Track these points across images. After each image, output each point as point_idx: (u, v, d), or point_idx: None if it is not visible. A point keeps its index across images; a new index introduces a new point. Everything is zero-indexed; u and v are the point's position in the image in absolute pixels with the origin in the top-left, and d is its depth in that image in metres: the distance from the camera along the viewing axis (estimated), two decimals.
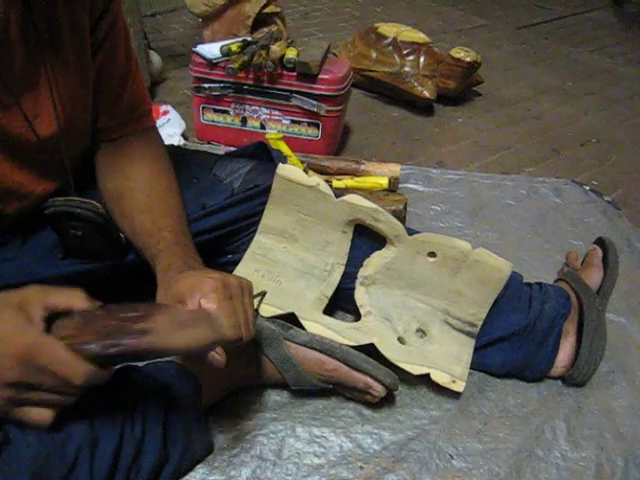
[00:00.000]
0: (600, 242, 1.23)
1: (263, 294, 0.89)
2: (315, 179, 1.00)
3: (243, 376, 0.93)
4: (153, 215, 0.86)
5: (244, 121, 1.69)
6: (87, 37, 0.82)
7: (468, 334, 1.01)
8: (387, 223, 0.99)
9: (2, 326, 0.59)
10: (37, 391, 0.59)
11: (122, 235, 0.89)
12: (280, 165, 1.00)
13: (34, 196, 0.84)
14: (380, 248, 1.03)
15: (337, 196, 1.00)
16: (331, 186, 1.03)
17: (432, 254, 1.00)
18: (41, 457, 0.66)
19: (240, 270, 1.01)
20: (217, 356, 0.67)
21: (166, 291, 0.73)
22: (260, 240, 1.03)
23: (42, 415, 0.61)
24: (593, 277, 1.14)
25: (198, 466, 0.85)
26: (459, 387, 0.97)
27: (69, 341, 0.59)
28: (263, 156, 1.07)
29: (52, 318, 0.62)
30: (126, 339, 0.61)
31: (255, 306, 0.81)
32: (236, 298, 0.71)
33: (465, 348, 1.01)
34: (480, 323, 1.00)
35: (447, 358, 0.99)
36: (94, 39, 0.84)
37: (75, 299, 0.64)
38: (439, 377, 0.97)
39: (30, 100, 0.77)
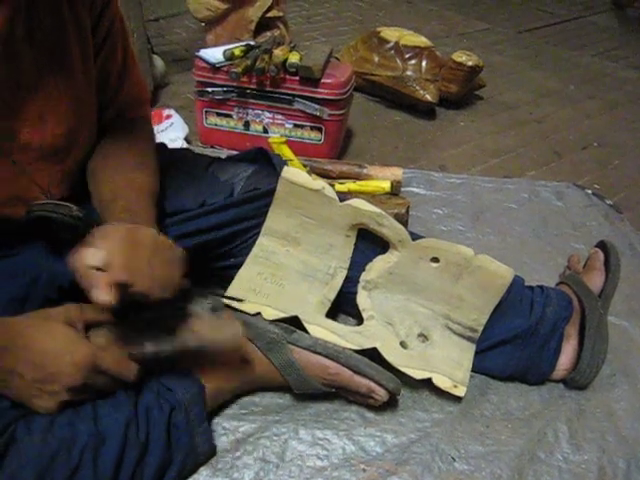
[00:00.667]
0: (602, 245, 1.23)
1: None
2: (320, 182, 1.01)
3: (246, 379, 0.93)
4: (112, 186, 0.86)
5: (247, 125, 1.70)
6: (89, 37, 0.83)
7: (469, 339, 1.01)
8: (391, 228, 0.99)
9: (61, 339, 0.71)
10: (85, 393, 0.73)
11: None
12: (285, 168, 1.01)
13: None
14: (383, 253, 1.03)
15: (341, 200, 1.01)
16: (334, 190, 1.04)
17: (435, 259, 1.00)
18: (46, 457, 0.67)
19: (243, 273, 1.01)
20: (101, 292, 0.64)
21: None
22: (263, 243, 1.03)
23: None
24: (595, 280, 1.14)
25: (201, 468, 0.85)
26: (460, 392, 0.97)
27: (111, 348, 0.75)
28: (264, 161, 1.07)
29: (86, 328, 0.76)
30: (170, 344, 0.76)
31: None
32: (143, 248, 0.72)
33: (466, 353, 1.01)
34: (481, 328, 1.00)
35: (448, 363, 1.00)
36: (96, 39, 0.85)
37: (100, 311, 0.76)
38: (441, 382, 0.97)
39: (36, 104, 0.77)
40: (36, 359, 0.68)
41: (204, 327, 0.79)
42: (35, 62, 0.75)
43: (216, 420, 0.92)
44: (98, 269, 0.65)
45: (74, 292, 0.75)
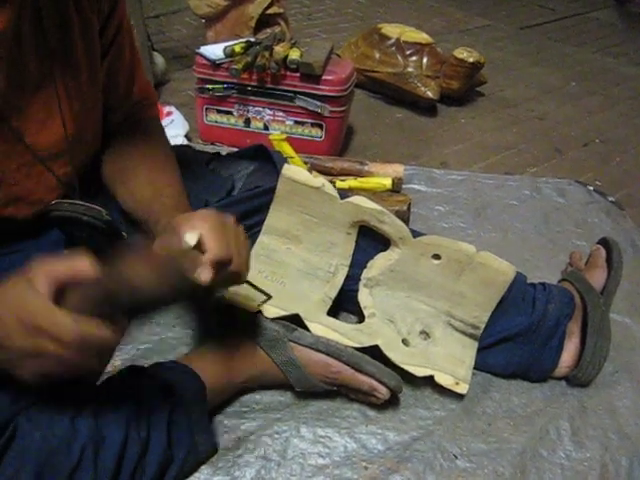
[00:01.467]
0: (604, 242, 1.23)
1: (268, 298, 0.89)
2: (320, 180, 1.00)
3: (247, 377, 0.93)
4: (154, 186, 0.87)
5: (247, 122, 1.70)
6: (97, 40, 0.82)
7: (471, 336, 1.01)
8: (392, 225, 0.99)
9: (9, 295, 0.60)
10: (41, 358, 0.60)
11: (124, 234, 0.89)
12: (285, 166, 1.00)
13: (45, 202, 0.84)
14: (384, 250, 1.03)
15: (341, 197, 1.01)
16: (334, 187, 1.03)
17: (436, 256, 1.00)
18: (46, 453, 0.67)
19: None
20: (205, 271, 0.65)
21: (164, 232, 0.72)
22: (264, 241, 1.03)
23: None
24: (597, 277, 1.14)
25: (202, 467, 0.85)
26: (462, 389, 0.97)
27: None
28: (264, 158, 1.07)
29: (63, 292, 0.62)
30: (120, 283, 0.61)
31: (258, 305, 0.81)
32: (230, 230, 0.72)
33: (468, 350, 1.01)
34: (483, 325, 1.00)
35: (450, 360, 0.99)
36: (103, 41, 0.84)
37: (80, 266, 0.63)
38: (443, 379, 0.97)
39: (42, 105, 0.77)
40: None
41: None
42: (40, 63, 0.75)
43: (217, 418, 0.92)
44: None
45: None
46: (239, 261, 0.72)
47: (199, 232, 0.66)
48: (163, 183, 0.88)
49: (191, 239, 0.65)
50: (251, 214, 1.01)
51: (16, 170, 0.78)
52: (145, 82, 0.98)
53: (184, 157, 1.02)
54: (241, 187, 1.02)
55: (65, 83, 0.79)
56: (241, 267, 0.72)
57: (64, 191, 0.87)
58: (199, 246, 0.66)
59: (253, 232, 1.03)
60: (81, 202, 0.84)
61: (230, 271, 0.71)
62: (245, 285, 0.84)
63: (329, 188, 1.00)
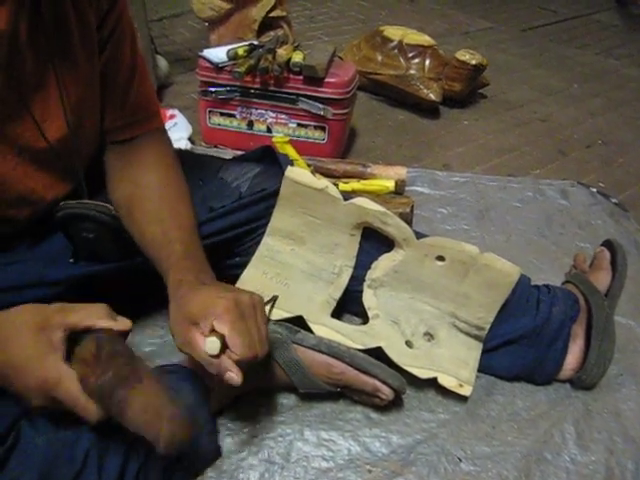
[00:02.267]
0: (608, 244, 1.23)
1: (274, 299, 0.89)
2: (324, 182, 1.00)
3: (251, 380, 0.93)
4: (163, 226, 0.84)
5: (250, 124, 1.70)
6: (94, 37, 0.82)
7: (476, 337, 1.01)
8: (396, 226, 0.99)
9: (24, 353, 0.62)
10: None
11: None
12: (289, 168, 1.00)
13: (46, 202, 0.84)
14: (388, 251, 1.02)
15: (345, 199, 1.00)
16: (337, 189, 1.03)
17: (440, 258, 1.00)
18: (49, 460, 0.67)
19: (248, 272, 1.01)
20: (234, 375, 0.68)
21: (178, 309, 0.72)
22: (268, 242, 1.03)
23: None
24: (601, 279, 1.13)
25: (207, 470, 0.85)
26: (466, 391, 0.97)
27: (84, 371, 0.62)
28: (270, 160, 1.07)
29: (75, 336, 0.66)
30: (112, 405, 0.62)
31: (267, 313, 0.81)
32: (249, 317, 0.71)
33: (472, 352, 1.01)
34: (487, 327, 1.00)
35: (454, 362, 0.99)
36: (100, 36, 0.83)
37: (96, 316, 0.67)
38: (446, 381, 0.97)
39: (40, 104, 0.77)
40: (3, 369, 0.63)
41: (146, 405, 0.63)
42: (37, 62, 0.75)
43: (221, 421, 0.92)
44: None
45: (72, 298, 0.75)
46: (263, 349, 0.72)
47: (220, 338, 0.68)
48: (172, 225, 0.85)
49: (212, 349, 0.67)
50: (256, 217, 1.01)
51: (15, 169, 0.78)
52: (147, 90, 0.94)
53: (191, 163, 1.02)
54: (246, 189, 1.02)
55: (63, 80, 0.78)
56: (264, 351, 0.72)
57: (66, 190, 0.87)
58: (223, 348, 0.68)
59: (258, 234, 1.03)
60: (89, 200, 0.84)
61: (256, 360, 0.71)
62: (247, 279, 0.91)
63: (332, 190, 1.00)
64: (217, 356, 0.67)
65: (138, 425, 0.61)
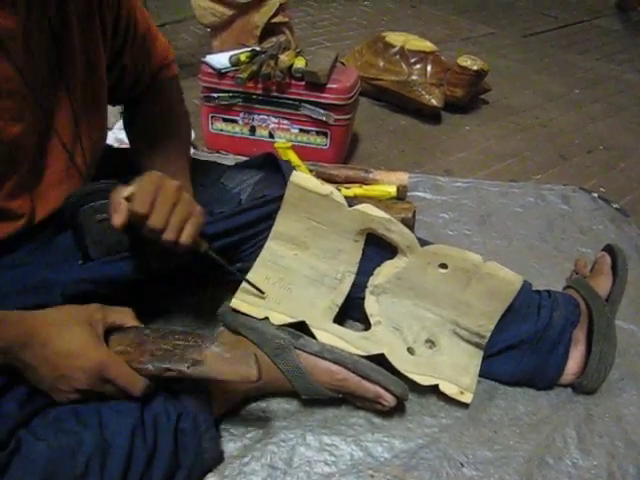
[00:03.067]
0: (609, 249, 1.23)
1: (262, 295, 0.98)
2: (329, 187, 1.00)
3: (253, 385, 0.93)
4: (163, 157, 0.98)
5: (253, 130, 1.70)
6: (97, 27, 0.85)
7: (477, 345, 1.01)
8: (399, 233, 0.99)
9: (77, 341, 0.72)
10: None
11: None
12: (294, 173, 1.01)
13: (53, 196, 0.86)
14: (390, 258, 1.03)
15: (349, 205, 1.01)
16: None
17: (443, 265, 1.00)
18: (51, 465, 0.67)
19: (251, 277, 1.01)
20: (116, 215, 0.75)
21: None
22: (271, 247, 1.03)
23: None
24: (602, 284, 1.13)
25: (209, 475, 0.85)
26: (467, 398, 0.97)
27: (125, 357, 0.76)
28: (272, 167, 1.07)
29: (108, 331, 0.78)
30: (180, 366, 0.76)
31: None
32: (163, 194, 0.78)
33: (473, 360, 1.01)
34: (488, 335, 1.00)
35: (456, 369, 0.99)
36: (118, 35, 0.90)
37: (127, 317, 0.81)
38: (447, 388, 0.97)
39: (51, 104, 0.78)
40: (51, 358, 0.71)
41: (218, 361, 0.78)
42: (48, 61, 0.76)
43: (223, 426, 0.92)
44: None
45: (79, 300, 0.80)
46: (160, 221, 0.77)
47: (131, 187, 0.77)
48: (173, 157, 0.99)
49: (122, 191, 0.77)
50: (257, 222, 1.02)
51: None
52: (162, 46, 1.04)
53: (193, 168, 1.02)
54: (247, 196, 1.03)
55: (69, 83, 0.80)
56: (156, 223, 0.77)
57: (79, 182, 0.89)
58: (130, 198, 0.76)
59: (261, 238, 1.03)
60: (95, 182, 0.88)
61: (148, 226, 0.77)
62: (245, 285, 0.97)
63: (337, 196, 1.00)
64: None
65: (224, 375, 0.77)
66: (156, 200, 0.76)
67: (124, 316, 0.80)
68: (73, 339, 0.72)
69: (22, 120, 0.76)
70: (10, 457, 0.66)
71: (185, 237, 0.80)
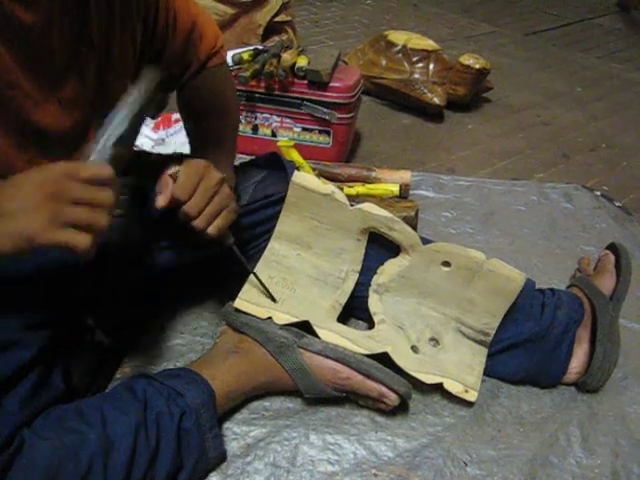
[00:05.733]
0: (612, 248, 1.22)
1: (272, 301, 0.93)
2: (330, 187, 1.00)
3: (256, 384, 0.93)
4: (219, 134, 1.06)
5: (255, 129, 1.70)
6: (137, 34, 0.84)
7: (481, 343, 1.01)
8: (402, 232, 0.99)
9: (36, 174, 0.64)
10: (72, 208, 0.63)
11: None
12: (296, 173, 1.01)
13: None
14: (394, 256, 1.03)
15: (351, 204, 1.01)
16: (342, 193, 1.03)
17: (446, 263, 1.00)
18: (54, 464, 0.67)
19: (254, 277, 1.01)
20: (160, 196, 0.81)
21: None
22: (274, 247, 1.03)
23: (81, 239, 0.63)
24: (606, 283, 1.13)
25: (212, 474, 0.85)
26: (472, 397, 0.97)
27: None
28: (275, 166, 1.07)
29: None
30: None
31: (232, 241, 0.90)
32: (204, 183, 0.82)
33: (478, 357, 1.01)
34: (493, 332, 1.00)
35: (460, 367, 0.99)
36: (159, 34, 0.89)
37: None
38: (452, 386, 0.97)
39: (66, 92, 0.77)
40: (12, 189, 0.63)
41: None
42: (62, 52, 0.74)
43: (226, 425, 0.92)
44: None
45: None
46: (195, 209, 0.81)
47: (178, 168, 0.81)
48: (225, 133, 1.08)
49: (170, 169, 0.82)
50: (261, 223, 1.02)
51: (27, 162, 0.77)
52: (212, 34, 1.00)
53: None
54: (250, 195, 1.03)
55: (83, 71, 0.78)
56: (191, 211, 0.81)
57: None
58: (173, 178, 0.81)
59: (264, 239, 1.04)
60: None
61: (183, 209, 0.81)
62: (253, 283, 0.96)
63: (339, 195, 1.00)
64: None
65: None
66: (197, 189, 0.81)
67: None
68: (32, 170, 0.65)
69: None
70: (13, 457, 0.65)
71: (213, 228, 0.83)
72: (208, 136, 1.07)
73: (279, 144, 1.47)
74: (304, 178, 1.00)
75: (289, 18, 2.19)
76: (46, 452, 0.67)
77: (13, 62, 0.67)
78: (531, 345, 1.00)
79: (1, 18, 0.64)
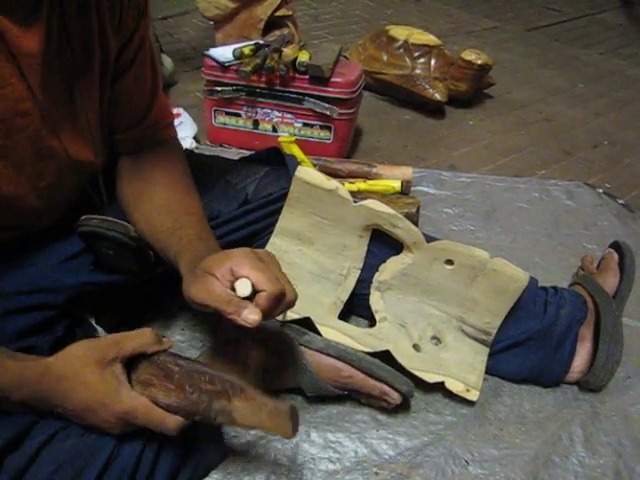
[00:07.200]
0: (616, 246, 1.22)
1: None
2: (334, 182, 1.00)
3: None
4: (173, 215, 0.84)
5: (256, 124, 1.69)
6: (112, 60, 0.80)
7: (482, 342, 1.00)
8: (405, 229, 0.99)
9: (93, 395, 0.67)
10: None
11: (151, 253, 0.87)
12: (299, 168, 1.00)
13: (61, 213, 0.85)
14: (396, 254, 1.02)
15: (354, 200, 1.00)
16: None
17: (449, 262, 0.99)
18: (73, 464, 0.68)
19: None
20: (250, 312, 0.67)
21: (192, 275, 0.71)
22: (276, 242, 1.02)
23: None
24: (609, 281, 1.13)
25: (213, 472, 0.85)
26: (473, 396, 0.96)
27: (150, 390, 0.69)
28: (277, 161, 1.06)
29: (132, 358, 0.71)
30: (207, 414, 0.69)
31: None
32: (268, 261, 0.73)
33: (479, 357, 1.00)
34: (494, 332, 1.00)
35: (462, 366, 0.99)
36: (125, 57, 0.82)
37: (146, 341, 0.71)
38: (453, 385, 0.96)
39: (68, 125, 0.76)
40: (75, 412, 0.68)
41: (247, 411, 0.69)
42: (64, 84, 0.73)
43: None
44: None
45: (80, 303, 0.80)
46: (290, 289, 0.72)
47: (248, 279, 0.68)
48: (182, 211, 0.85)
49: (245, 289, 0.68)
50: (264, 219, 1.01)
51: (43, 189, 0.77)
52: (164, 104, 0.93)
53: (197, 164, 1.01)
54: (252, 191, 1.02)
55: (85, 102, 0.77)
56: (293, 294, 0.73)
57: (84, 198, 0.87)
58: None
59: (265, 234, 1.03)
60: (109, 218, 0.83)
61: (286, 302, 0.72)
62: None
63: (343, 191, 1.00)
64: (249, 299, 0.68)
65: (254, 425, 0.70)
66: (277, 274, 0.72)
67: (143, 341, 0.71)
68: (89, 394, 0.67)
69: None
70: (37, 451, 0.67)
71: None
72: (186, 221, 0.85)
73: (280, 139, 1.47)
74: (307, 173, 0.99)
75: (290, 12, 2.18)
76: (69, 450, 0.69)
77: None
78: (533, 344, 1.00)
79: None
